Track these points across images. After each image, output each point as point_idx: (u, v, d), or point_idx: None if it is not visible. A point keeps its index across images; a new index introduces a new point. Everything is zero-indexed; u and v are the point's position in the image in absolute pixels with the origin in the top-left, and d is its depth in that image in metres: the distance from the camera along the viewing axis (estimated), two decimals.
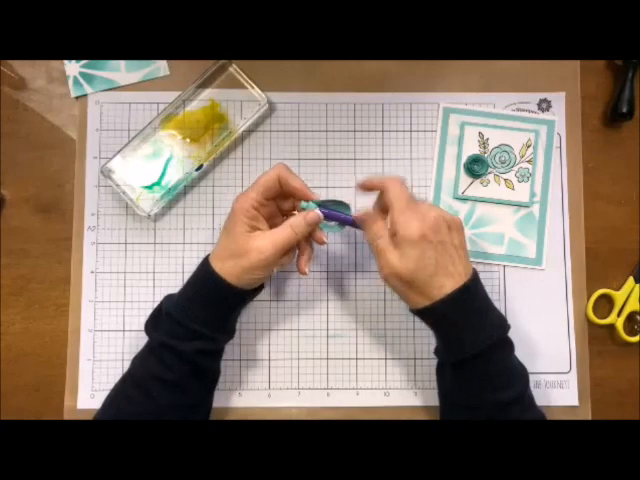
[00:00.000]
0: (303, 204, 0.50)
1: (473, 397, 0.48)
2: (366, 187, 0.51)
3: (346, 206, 0.52)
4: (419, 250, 0.45)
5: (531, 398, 0.49)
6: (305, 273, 0.51)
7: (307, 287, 0.59)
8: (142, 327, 0.52)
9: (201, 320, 0.48)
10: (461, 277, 0.47)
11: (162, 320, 0.49)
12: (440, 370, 0.52)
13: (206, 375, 0.51)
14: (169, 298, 0.51)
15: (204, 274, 0.49)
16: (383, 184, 0.49)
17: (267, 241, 0.47)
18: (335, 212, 0.51)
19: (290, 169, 0.50)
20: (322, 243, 0.51)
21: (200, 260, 0.51)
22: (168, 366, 0.48)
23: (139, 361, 0.50)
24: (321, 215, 0.49)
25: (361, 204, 0.54)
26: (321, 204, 0.50)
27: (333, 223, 0.51)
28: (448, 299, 0.46)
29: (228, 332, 0.52)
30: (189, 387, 0.49)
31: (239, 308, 0.52)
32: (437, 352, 0.51)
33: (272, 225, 0.50)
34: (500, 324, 0.49)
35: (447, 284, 0.46)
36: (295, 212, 0.52)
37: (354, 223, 0.51)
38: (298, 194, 0.50)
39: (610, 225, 0.60)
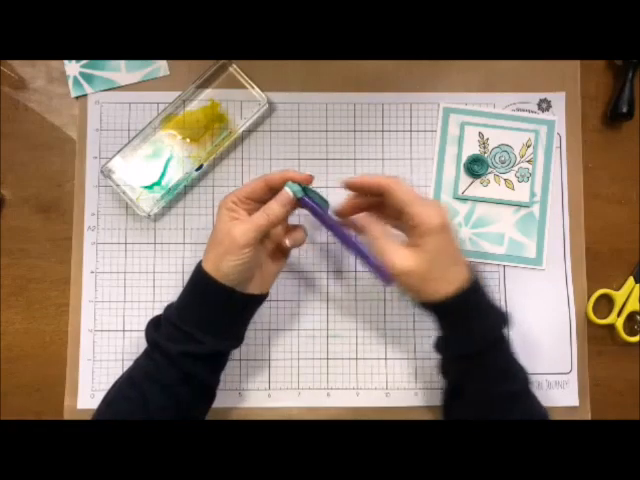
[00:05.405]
0: (288, 184, 0.48)
1: (483, 389, 0.48)
2: (356, 186, 0.49)
3: (325, 202, 0.50)
4: (441, 239, 0.46)
5: (534, 394, 0.50)
6: (286, 245, 0.50)
7: (307, 287, 0.59)
8: (142, 327, 0.51)
9: (192, 321, 0.48)
10: (469, 266, 0.48)
11: (161, 325, 0.50)
12: (445, 365, 0.52)
13: (195, 383, 0.48)
14: (170, 306, 0.51)
15: (194, 274, 0.50)
16: (384, 185, 0.47)
17: (241, 225, 0.47)
18: (312, 202, 0.49)
19: None
20: (286, 249, 0.51)
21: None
22: (159, 367, 0.47)
23: (137, 362, 0.50)
24: (291, 194, 0.48)
25: None
26: (307, 191, 0.48)
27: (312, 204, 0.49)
28: (467, 287, 0.46)
29: (220, 337, 0.49)
30: (179, 392, 0.48)
31: (230, 309, 0.49)
32: (438, 346, 0.50)
33: None
34: (503, 313, 0.49)
35: (463, 272, 0.47)
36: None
37: (325, 221, 0.49)
38: (288, 177, 0.48)
39: (610, 225, 0.60)
